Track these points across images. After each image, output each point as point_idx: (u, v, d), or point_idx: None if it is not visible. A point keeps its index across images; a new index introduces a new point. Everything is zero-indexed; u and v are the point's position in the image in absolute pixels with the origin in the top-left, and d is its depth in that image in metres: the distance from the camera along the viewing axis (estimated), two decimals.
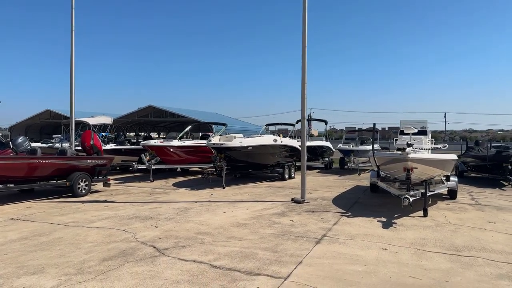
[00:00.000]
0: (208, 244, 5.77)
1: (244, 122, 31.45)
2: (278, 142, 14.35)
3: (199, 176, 16.10)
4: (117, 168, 17.54)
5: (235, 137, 13.22)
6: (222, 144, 12.59)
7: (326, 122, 21.82)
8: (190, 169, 17.99)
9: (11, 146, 10.28)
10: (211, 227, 6.88)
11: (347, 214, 8.09)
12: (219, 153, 12.83)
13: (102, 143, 13.82)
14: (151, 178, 14.08)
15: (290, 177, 15.04)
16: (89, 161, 11.07)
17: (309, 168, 19.93)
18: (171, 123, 30.31)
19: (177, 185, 13.35)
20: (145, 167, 14.28)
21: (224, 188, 12.23)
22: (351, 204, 9.49)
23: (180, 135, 18.06)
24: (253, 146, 13.11)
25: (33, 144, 15.37)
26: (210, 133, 24.15)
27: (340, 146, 19.83)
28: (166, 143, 14.84)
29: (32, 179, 10.07)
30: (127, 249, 5.49)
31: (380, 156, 8.76)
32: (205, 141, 16.80)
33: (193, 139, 20.60)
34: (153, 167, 14.26)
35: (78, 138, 17.76)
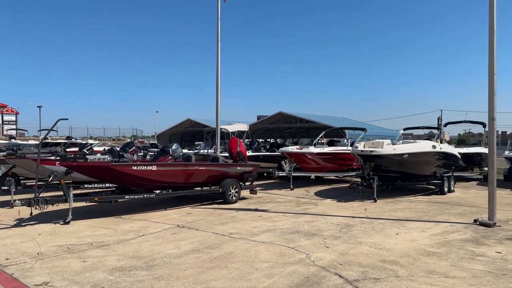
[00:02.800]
0: (406, 280, 4.64)
1: (375, 126, 29.19)
2: (437, 149, 12.32)
3: (339, 185, 15.05)
4: None
5: (383, 143, 11.75)
6: (372, 151, 11.27)
7: (484, 125, 18.41)
8: (324, 177, 17.07)
9: (171, 153, 10.85)
10: (395, 254, 5.72)
11: None
12: (367, 161, 11.54)
13: None
14: (291, 186, 13.59)
15: (449, 191, 12.81)
16: (238, 168, 11.03)
17: (464, 179, 17.05)
18: (297, 129, 30.02)
19: (320, 194, 12.51)
20: (285, 174, 13.86)
21: (375, 201, 10.87)
22: None
23: (315, 141, 17.35)
24: (409, 154, 11.43)
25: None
26: (338, 139, 22.93)
27: (508, 153, 16.39)
28: (305, 150, 14.21)
29: (189, 185, 10.43)
30: (310, 276, 4.74)
31: None
32: (344, 148, 15.70)
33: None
34: (293, 174, 13.76)
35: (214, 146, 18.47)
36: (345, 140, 19.69)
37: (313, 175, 16.61)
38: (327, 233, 7.03)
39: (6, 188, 9.80)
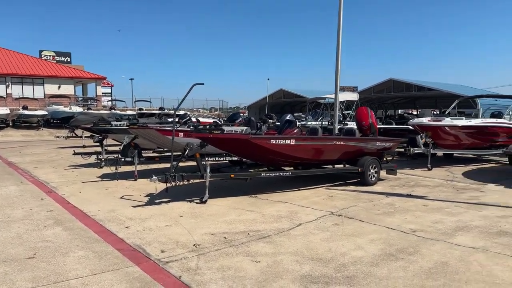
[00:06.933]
0: None
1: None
2: None
3: (480, 165, 12.59)
4: None
5: None
6: None
7: None
8: (454, 155, 14.53)
9: (297, 126, 9.48)
10: None
11: None
12: None
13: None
14: (429, 165, 11.42)
15: None
16: (378, 143, 9.27)
17: None
18: (406, 98, 26.93)
19: (471, 177, 10.22)
20: (421, 151, 11.72)
21: None
22: None
23: (447, 111, 14.80)
24: None
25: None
26: (463, 110, 19.72)
27: None
28: (446, 123, 11.80)
29: (320, 162, 9.02)
30: None
31: None
32: (500, 121, 13.04)
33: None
34: (432, 151, 11.58)
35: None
36: (477, 111, 16.58)
37: (440, 153, 14.18)
38: None
39: (129, 159, 9.38)
